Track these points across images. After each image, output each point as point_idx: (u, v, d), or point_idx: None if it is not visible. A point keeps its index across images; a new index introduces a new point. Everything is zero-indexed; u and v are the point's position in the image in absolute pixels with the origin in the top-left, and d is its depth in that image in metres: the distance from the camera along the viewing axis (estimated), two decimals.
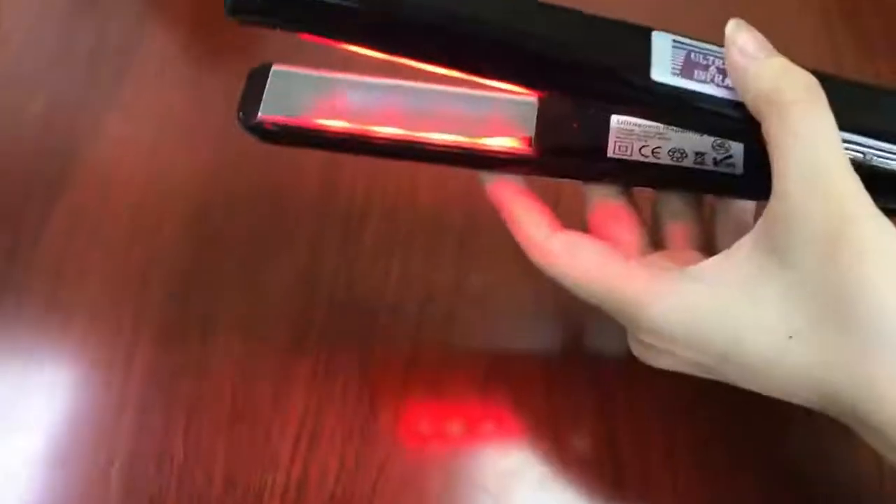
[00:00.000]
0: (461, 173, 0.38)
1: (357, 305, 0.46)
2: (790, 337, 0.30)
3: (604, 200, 0.37)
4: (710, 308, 0.31)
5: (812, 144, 0.29)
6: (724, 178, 0.36)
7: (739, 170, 0.36)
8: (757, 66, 0.31)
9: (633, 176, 0.36)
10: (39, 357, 0.45)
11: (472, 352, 0.45)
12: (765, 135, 0.31)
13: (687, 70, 0.31)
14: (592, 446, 0.42)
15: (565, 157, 0.36)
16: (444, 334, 0.46)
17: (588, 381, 0.44)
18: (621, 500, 0.41)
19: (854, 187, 0.30)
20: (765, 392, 0.33)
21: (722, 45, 0.32)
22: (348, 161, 0.49)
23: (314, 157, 0.49)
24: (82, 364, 0.45)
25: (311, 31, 0.32)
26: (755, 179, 0.33)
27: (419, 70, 0.33)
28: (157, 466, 0.42)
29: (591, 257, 0.34)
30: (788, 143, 0.30)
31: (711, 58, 0.32)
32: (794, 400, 0.32)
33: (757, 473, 0.41)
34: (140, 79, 0.55)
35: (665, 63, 0.31)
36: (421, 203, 0.49)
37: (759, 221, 0.31)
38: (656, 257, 0.36)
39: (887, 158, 0.32)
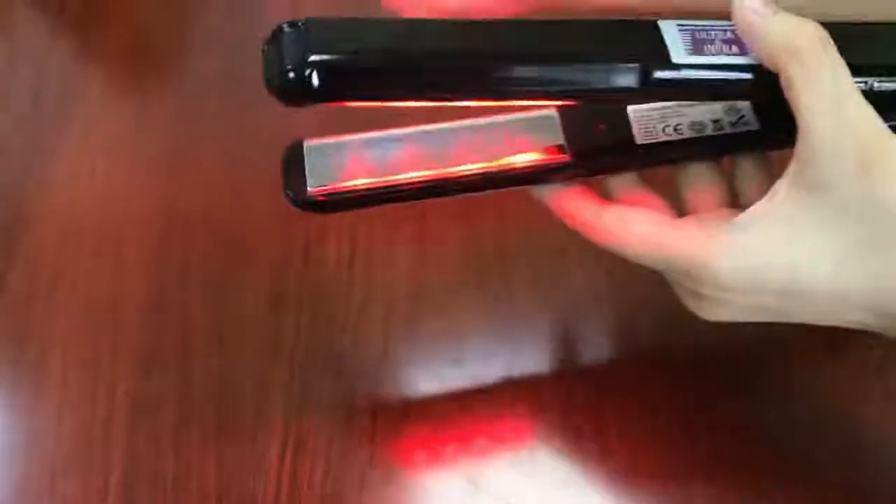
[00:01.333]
0: None
1: (324, 313, 0.49)
2: (839, 263, 0.33)
3: (626, 191, 0.39)
4: (764, 251, 0.34)
5: (830, 82, 0.32)
6: (745, 136, 0.38)
7: (755, 125, 0.38)
8: (767, 22, 0.33)
9: (664, 156, 0.39)
10: (17, 395, 0.46)
11: (437, 351, 0.48)
12: (784, 83, 0.33)
13: (697, 47, 0.34)
14: (557, 434, 0.45)
15: (600, 156, 0.39)
16: (410, 335, 0.48)
17: (549, 375, 0.47)
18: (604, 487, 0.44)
19: (873, 114, 0.32)
20: (822, 321, 0.35)
21: (713, 21, 0.35)
22: None
23: (267, 179, 0.51)
24: (64, 399, 0.46)
25: (358, 100, 0.34)
26: (772, 130, 0.37)
27: (433, 112, 0.35)
28: (151, 485, 0.43)
29: (643, 226, 0.36)
30: (809, 84, 0.32)
31: (713, 32, 0.35)
32: (852, 324, 0.35)
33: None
34: (85, 116, 0.56)
35: (679, 46, 0.34)
36: (376, 214, 0.52)
37: (791, 163, 0.33)
38: (697, 218, 0.38)
39: (887, 82, 0.35)
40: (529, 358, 0.47)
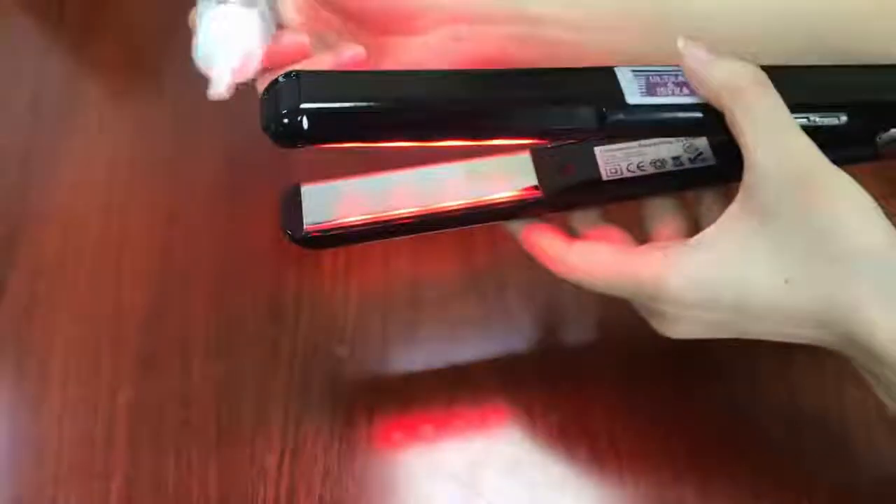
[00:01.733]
0: None
1: (322, 322, 0.50)
2: (787, 280, 0.35)
3: (591, 227, 0.42)
4: (716, 269, 0.36)
5: (769, 117, 0.35)
6: (703, 172, 0.41)
7: (713, 161, 0.42)
8: (711, 67, 0.36)
9: (629, 191, 0.42)
10: (19, 401, 0.47)
11: (434, 357, 0.49)
12: (729, 121, 0.36)
13: (651, 90, 0.37)
14: (547, 434, 0.47)
15: (570, 192, 0.42)
16: (407, 342, 0.50)
17: (538, 377, 0.49)
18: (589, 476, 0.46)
19: (811, 144, 0.35)
20: (778, 337, 0.38)
21: (665, 66, 0.38)
22: None
23: (267, 192, 0.52)
24: (66, 404, 0.47)
25: (343, 142, 0.36)
26: (727, 165, 0.39)
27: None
28: (153, 490, 0.44)
29: (606, 256, 0.39)
30: (750, 119, 0.35)
31: (665, 76, 0.38)
32: (808, 341, 0.37)
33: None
34: (85, 124, 0.57)
35: (633, 89, 0.37)
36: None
37: (740, 190, 0.36)
38: (655, 244, 0.40)
39: (826, 117, 0.38)
40: (523, 363, 0.49)
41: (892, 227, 0.35)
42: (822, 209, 0.34)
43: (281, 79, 0.35)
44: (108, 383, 0.48)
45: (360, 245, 0.49)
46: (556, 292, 0.51)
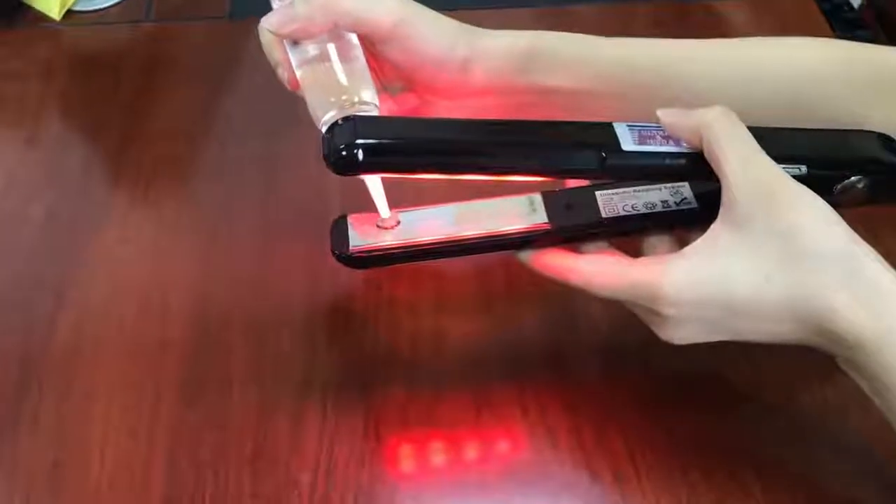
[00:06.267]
0: None
1: (352, 357, 0.53)
2: (766, 278, 0.41)
3: (594, 249, 0.47)
4: (705, 271, 0.42)
5: (737, 141, 0.42)
6: (687, 213, 0.48)
7: (694, 205, 0.48)
8: (685, 116, 0.44)
9: (624, 227, 0.48)
10: (64, 429, 0.50)
11: (458, 383, 0.52)
12: (707, 154, 0.43)
13: (642, 140, 0.45)
14: (571, 457, 0.49)
15: (574, 227, 0.49)
16: (431, 370, 0.53)
17: (563, 405, 0.51)
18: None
19: (774, 164, 0.42)
20: (768, 338, 0.42)
21: (656, 124, 0.45)
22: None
23: (299, 248, 0.57)
24: (107, 433, 0.49)
25: (390, 172, 0.45)
26: (707, 208, 0.45)
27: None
28: None
29: (611, 264, 0.45)
30: (722, 145, 0.42)
31: (654, 131, 0.45)
32: (788, 337, 0.42)
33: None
34: (130, 189, 0.62)
35: (628, 139, 0.45)
36: (397, 272, 0.57)
37: (721, 207, 0.42)
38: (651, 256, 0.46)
39: (789, 169, 0.44)
40: (544, 387, 0.52)
41: (849, 228, 0.40)
42: (786, 214, 0.41)
43: (340, 120, 0.43)
44: (148, 411, 0.50)
45: (391, 270, 0.55)
46: (570, 321, 0.55)
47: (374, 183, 0.46)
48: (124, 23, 0.75)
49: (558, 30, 0.49)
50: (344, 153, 0.41)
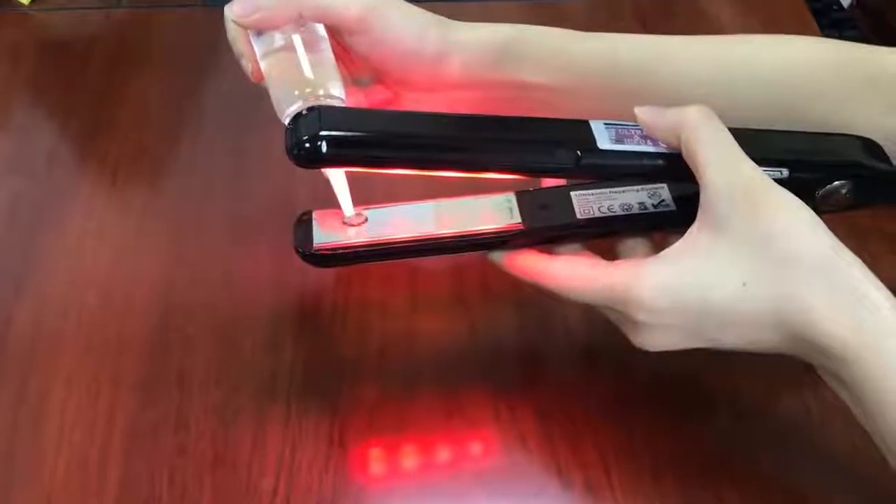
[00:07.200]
0: None
1: (319, 356, 0.51)
2: (744, 284, 0.39)
3: (569, 251, 0.46)
4: (681, 276, 0.40)
5: (716, 140, 0.40)
6: (664, 216, 0.46)
7: (672, 207, 0.47)
8: (663, 114, 0.42)
9: (600, 229, 0.47)
10: (18, 423, 0.48)
11: (428, 388, 0.50)
12: (685, 153, 0.41)
13: (619, 139, 0.43)
14: (543, 465, 0.48)
15: (549, 228, 0.47)
16: (403, 374, 0.51)
17: (535, 410, 0.49)
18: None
19: (754, 165, 0.40)
20: (746, 346, 0.40)
21: (634, 123, 0.43)
22: None
23: (268, 244, 0.55)
24: (62, 430, 0.47)
25: (354, 165, 0.42)
26: (685, 210, 0.43)
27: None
28: None
29: (585, 267, 0.43)
30: (701, 145, 0.40)
31: (632, 129, 0.44)
32: (768, 346, 0.40)
33: None
34: (95, 180, 0.60)
35: (605, 137, 0.43)
36: (368, 272, 0.55)
37: (699, 210, 0.41)
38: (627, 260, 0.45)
39: (769, 170, 0.42)
40: (517, 394, 0.50)
41: (831, 233, 0.39)
42: (766, 218, 0.39)
43: (304, 111, 0.41)
44: (106, 409, 0.48)
45: (363, 268, 0.53)
46: (546, 324, 0.53)
47: (337, 178, 0.44)
48: (97, 8, 0.73)
49: (543, 24, 0.48)
50: (307, 145, 0.40)
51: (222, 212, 0.58)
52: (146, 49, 0.70)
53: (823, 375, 0.40)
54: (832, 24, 0.78)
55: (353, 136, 0.41)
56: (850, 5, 0.84)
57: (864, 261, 0.39)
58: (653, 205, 0.47)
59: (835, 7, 0.81)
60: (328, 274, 0.54)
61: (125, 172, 0.61)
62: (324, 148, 0.39)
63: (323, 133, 0.39)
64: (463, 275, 0.55)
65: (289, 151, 0.40)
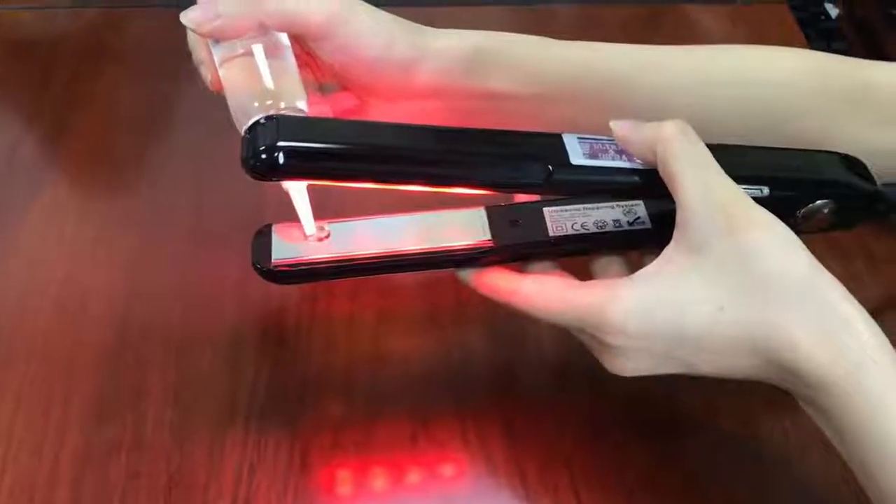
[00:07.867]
0: None
1: (281, 377, 0.49)
2: (721, 308, 0.37)
3: (540, 268, 0.44)
4: (654, 299, 0.38)
5: (693, 156, 0.39)
6: (640, 234, 0.45)
7: (648, 225, 0.45)
8: (639, 129, 0.41)
9: (572, 247, 0.45)
10: None
11: (394, 410, 0.48)
12: (661, 170, 0.39)
13: (593, 154, 0.41)
14: (510, 488, 0.46)
15: (520, 245, 0.45)
16: (368, 393, 0.49)
17: (505, 433, 0.48)
18: None
19: (733, 184, 0.38)
20: (721, 371, 0.39)
21: (609, 137, 0.42)
22: None
23: (230, 256, 0.53)
24: (9, 447, 0.45)
25: (313, 178, 0.40)
26: (661, 228, 0.41)
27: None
28: None
29: (556, 288, 0.41)
30: (678, 162, 0.39)
31: (606, 144, 0.42)
32: (748, 374, 0.38)
33: None
34: (55, 183, 0.58)
35: (578, 152, 0.41)
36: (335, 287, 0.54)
37: (675, 230, 0.39)
38: (600, 280, 0.43)
39: (748, 188, 0.41)
40: (485, 416, 0.48)
41: (808, 252, 0.37)
42: (744, 237, 0.37)
43: (262, 120, 0.39)
44: (56, 427, 0.46)
45: (329, 283, 0.51)
46: (518, 343, 0.51)
47: (297, 191, 0.42)
48: (66, 7, 0.71)
49: (523, 31, 0.46)
50: (263, 156, 0.37)
51: (184, 221, 0.56)
52: (115, 49, 0.68)
53: (804, 406, 0.39)
54: (820, 35, 0.77)
55: (312, 148, 0.38)
56: (838, 16, 0.83)
57: (845, 280, 0.37)
58: (628, 222, 0.45)
59: (822, 17, 0.80)
60: (292, 288, 0.52)
61: (88, 177, 0.59)
62: (281, 159, 0.37)
63: (280, 144, 0.37)
64: (435, 290, 0.54)
65: (244, 162, 0.38)
